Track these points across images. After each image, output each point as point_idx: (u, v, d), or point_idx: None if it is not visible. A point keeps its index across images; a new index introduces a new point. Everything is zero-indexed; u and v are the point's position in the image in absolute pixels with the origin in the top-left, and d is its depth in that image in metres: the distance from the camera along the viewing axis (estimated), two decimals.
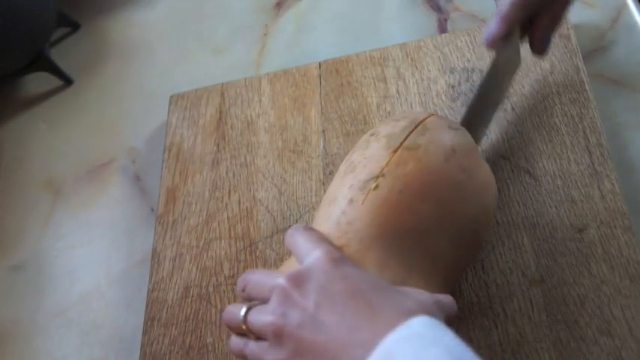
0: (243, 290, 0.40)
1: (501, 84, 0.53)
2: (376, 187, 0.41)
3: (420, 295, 0.36)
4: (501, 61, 0.50)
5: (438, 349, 0.31)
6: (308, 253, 0.38)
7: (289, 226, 0.57)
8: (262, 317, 0.36)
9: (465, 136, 0.46)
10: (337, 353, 0.33)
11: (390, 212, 0.41)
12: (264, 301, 0.37)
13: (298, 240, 0.40)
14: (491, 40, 0.48)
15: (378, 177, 0.42)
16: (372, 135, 0.46)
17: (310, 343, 0.33)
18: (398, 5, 0.71)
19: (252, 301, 0.39)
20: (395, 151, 0.42)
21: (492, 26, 0.48)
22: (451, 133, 0.44)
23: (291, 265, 0.41)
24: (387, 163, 0.42)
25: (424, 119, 0.45)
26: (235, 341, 0.39)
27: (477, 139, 0.50)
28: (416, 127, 0.44)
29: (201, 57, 0.77)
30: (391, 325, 0.32)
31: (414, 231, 0.41)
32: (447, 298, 0.38)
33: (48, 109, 0.79)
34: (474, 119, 0.50)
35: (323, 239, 0.40)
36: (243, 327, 0.38)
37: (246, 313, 0.38)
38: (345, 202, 0.42)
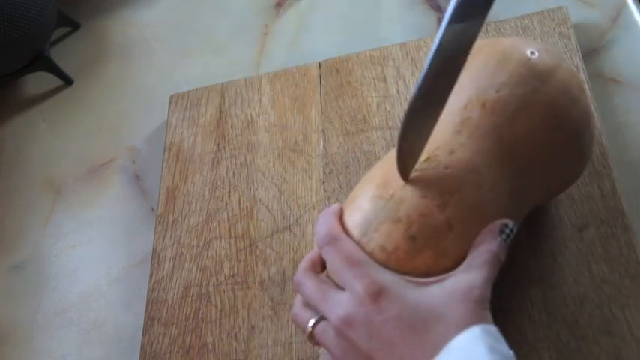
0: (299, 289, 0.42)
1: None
2: None
3: (456, 307, 0.36)
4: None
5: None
6: (345, 283, 0.39)
7: (288, 227, 0.57)
8: (330, 345, 0.39)
9: None
10: None
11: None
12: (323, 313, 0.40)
13: (334, 260, 0.40)
14: None
15: None
16: None
17: None
18: (398, 5, 0.71)
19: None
20: None
21: None
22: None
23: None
24: None
25: None
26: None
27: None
28: None
29: (201, 57, 0.77)
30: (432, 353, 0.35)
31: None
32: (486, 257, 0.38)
33: (48, 109, 0.79)
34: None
35: (354, 259, 0.39)
36: (310, 335, 0.40)
37: (314, 325, 0.40)
38: None
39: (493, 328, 0.36)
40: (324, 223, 0.41)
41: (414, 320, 0.36)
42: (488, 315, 0.36)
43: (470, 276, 0.37)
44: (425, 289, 0.37)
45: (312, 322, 0.40)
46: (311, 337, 0.40)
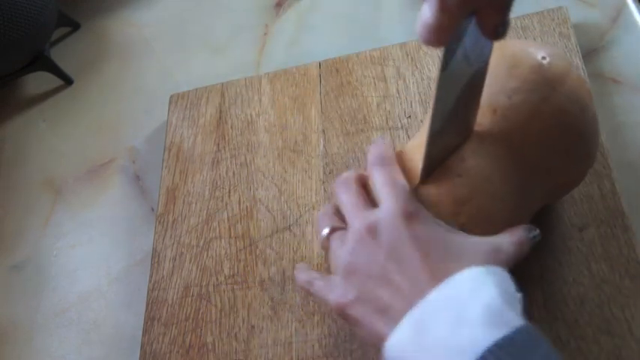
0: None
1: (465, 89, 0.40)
2: None
3: (477, 257, 0.37)
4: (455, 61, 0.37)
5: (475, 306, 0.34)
6: (385, 198, 0.40)
7: (288, 227, 0.57)
8: (341, 252, 0.40)
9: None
10: (395, 310, 0.36)
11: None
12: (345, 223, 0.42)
13: (380, 178, 0.42)
14: (430, 35, 0.33)
15: None
16: None
17: (374, 294, 0.38)
18: (398, 5, 0.71)
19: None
20: None
21: (428, 16, 0.33)
22: None
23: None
24: None
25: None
26: (302, 277, 0.44)
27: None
28: None
29: (201, 57, 0.77)
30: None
31: None
32: (513, 238, 0.39)
33: (48, 109, 0.79)
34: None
35: (400, 184, 0.40)
36: (324, 244, 0.43)
37: (329, 233, 0.43)
38: None
39: (506, 275, 0.37)
40: (379, 147, 0.43)
41: (437, 248, 0.37)
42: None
43: (498, 240, 0.39)
44: (453, 233, 0.39)
45: (327, 230, 0.42)
46: (326, 241, 0.42)
